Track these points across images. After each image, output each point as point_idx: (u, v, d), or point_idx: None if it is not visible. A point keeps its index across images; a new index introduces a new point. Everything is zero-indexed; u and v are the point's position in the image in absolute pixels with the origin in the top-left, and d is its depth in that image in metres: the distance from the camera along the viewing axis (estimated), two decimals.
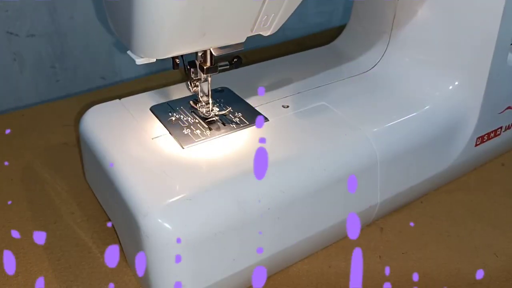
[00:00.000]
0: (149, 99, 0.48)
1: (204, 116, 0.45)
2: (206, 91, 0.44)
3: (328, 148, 0.42)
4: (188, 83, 0.45)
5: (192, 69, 0.43)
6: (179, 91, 0.49)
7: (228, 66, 0.42)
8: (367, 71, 0.54)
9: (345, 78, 0.53)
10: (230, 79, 0.50)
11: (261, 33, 0.38)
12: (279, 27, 0.38)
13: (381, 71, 0.53)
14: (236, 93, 0.49)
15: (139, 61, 0.36)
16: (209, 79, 0.43)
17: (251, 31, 0.37)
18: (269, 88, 0.50)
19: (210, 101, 0.45)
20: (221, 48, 0.39)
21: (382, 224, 0.48)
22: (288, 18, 0.39)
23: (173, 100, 0.48)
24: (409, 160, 0.46)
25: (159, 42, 0.34)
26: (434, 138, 0.48)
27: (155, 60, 0.36)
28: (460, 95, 0.49)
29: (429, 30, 0.50)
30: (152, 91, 0.49)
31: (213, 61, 0.41)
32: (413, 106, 0.48)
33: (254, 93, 0.49)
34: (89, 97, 0.66)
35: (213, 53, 0.40)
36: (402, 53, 0.53)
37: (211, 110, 0.45)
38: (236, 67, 0.42)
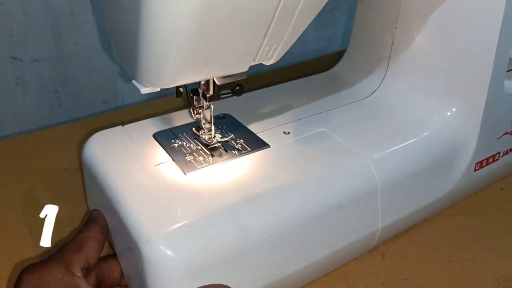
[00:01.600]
0: (152, 125, 0.48)
1: (207, 143, 0.45)
2: (208, 118, 0.45)
3: (328, 174, 0.43)
4: (191, 110, 0.45)
5: (195, 97, 0.43)
6: (181, 118, 0.50)
7: (230, 94, 0.43)
8: (366, 97, 0.55)
9: (345, 104, 0.53)
10: (231, 105, 0.51)
11: (263, 62, 0.39)
12: (280, 56, 0.39)
13: (380, 97, 0.54)
14: (238, 119, 0.50)
15: (144, 90, 0.36)
16: (212, 106, 0.44)
17: (254, 61, 0.38)
18: (270, 115, 0.51)
19: (213, 128, 0.45)
20: (224, 77, 0.40)
21: (383, 250, 0.48)
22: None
23: (175, 127, 0.48)
24: (410, 185, 0.47)
25: (164, 72, 0.35)
26: (433, 163, 0.48)
27: (159, 89, 0.37)
28: (458, 121, 0.50)
29: (426, 56, 0.51)
30: (155, 118, 0.50)
31: (215, 89, 0.41)
32: (412, 132, 0.49)
33: (256, 119, 0.50)
34: (92, 122, 0.67)
35: (216, 81, 0.40)
36: (400, 79, 0.54)
37: (214, 137, 0.45)
38: (238, 95, 0.43)
